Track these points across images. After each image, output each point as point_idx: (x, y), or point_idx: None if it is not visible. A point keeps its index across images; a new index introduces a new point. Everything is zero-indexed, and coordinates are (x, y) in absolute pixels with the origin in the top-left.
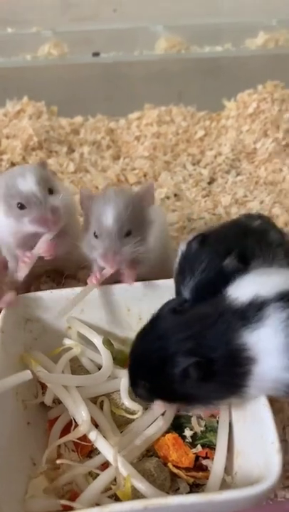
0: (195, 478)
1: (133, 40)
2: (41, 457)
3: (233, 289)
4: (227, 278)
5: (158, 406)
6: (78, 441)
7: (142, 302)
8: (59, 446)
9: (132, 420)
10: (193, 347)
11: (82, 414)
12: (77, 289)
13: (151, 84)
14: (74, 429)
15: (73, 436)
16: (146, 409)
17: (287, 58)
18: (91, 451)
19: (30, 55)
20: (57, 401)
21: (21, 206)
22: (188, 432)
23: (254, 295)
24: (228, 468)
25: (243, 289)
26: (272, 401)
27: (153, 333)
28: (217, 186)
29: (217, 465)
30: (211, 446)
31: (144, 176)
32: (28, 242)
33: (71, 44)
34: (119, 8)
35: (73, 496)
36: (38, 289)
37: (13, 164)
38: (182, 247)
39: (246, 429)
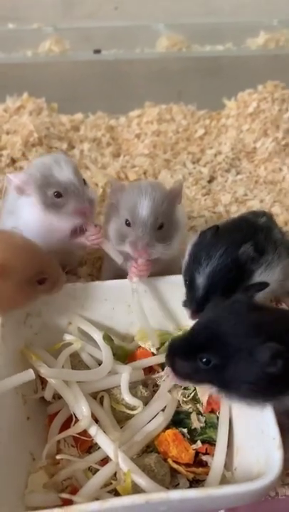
0: (195, 474)
1: (134, 38)
2: (41, 452)
3: None
4: (241, 266)
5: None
6: (78, 435)
7: (143, 298)
8: (58, 441)
9: (132, 416)
10: (284, 339)
11: (82, 409)
12: (78, 285)
13: (151, 82)
14: (74, 424)
15: (73, 431)
16: (145, 404)
17: (288, 58)
18: (90, 447)
19: (31, 51)
20: (56, 396)
21: (58, 195)
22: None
23: None
24: (228, 464)
25: None
26: None
27: (240, 312)
28: (217, 185)
29: (217, 461)
30: (210, 442)
31: (144, 173)
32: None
33: (72, 41)
34: (120, 6)
35: (73, 491)
36: None
37: (13, 160)
38: (192, 239)
39: (246, 425)
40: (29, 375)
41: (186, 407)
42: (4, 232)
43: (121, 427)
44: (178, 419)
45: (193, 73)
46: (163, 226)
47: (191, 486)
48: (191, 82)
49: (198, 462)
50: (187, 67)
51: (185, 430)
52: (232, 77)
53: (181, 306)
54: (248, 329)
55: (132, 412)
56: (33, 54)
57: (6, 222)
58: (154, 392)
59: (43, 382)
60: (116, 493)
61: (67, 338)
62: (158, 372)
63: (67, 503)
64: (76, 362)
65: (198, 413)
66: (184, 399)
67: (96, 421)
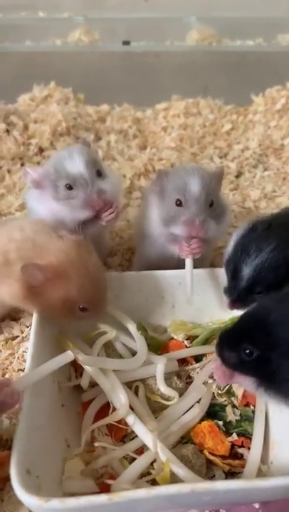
0: (231, 467)
1: (164, 30)
2: (75, 439)
3: None
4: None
5: (224, 376)
6: (116, 423)
7: (177, 290)
8: (93, 429)
9: (167, 406)
10: None
11: (120, 397)
12: (113, 274)
13: (179, 75)
14: (111, 413)
15: (111, 419)
16: (180, 396)
17: None
18: (124, 436)
19: (60, 40)
20: (90, 384)
21: (69, 187)
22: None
23: None
24: (264, 458)
25: None
26: None
27: None
28: (245, 180)
29: (253, 454)
30: (246, 436)
31: (171, 166)
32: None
33: (102, 31)
34: None
35: (109, 479)
36: None
37: (41, 149)
38: (240, 231)
39: (284, 420)
40: (69, 356)
41: (221, 400)
42: (85, 246)
43: (155, 418)
44: (213, 412)
45: (221, 68)
46: (213, 204)
47: (226, 478)
48: (219, 77)
49: (234, 455)
50: (216, 62)
51: (220, 422)
52: (260, 72)
53: (215, 299)
54: None
55: (167, 403)
56: (62, 43)
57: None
58: (188, 383)
59: (76, 370)
60: (152, 483)
61: (102, 327)
62: (191, 364)
63: (104, 490)
64: (110, 351)
65: (233, 406)
66: (219, 391)
67: (131, 411)
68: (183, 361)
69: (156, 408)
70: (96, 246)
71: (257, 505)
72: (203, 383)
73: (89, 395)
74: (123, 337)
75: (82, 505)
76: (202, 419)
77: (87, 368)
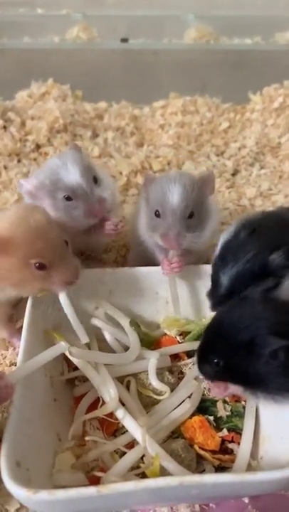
0: (221, 461)
1: (162, 28)
2: (67, 433)
3: None
4: (269, 273)
5: (221, 391)
6: (106, 417)
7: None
8: (84, 423)
9: (159, 401)
10: (284, 331)
11: (110, 391)
12: (107, 270)
13: (176, 73)
14: (101, 407)
15: (100, 412)
16: (172, 391)
17: None
18: (116, 430)
19: (59, 37)
20: (82, 379)
21: (68, 198)
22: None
23: None
24: (254, 453)
25: None
26: None
27: (243, 311)
28: (241, 178)
29: (243, 449)
30: (236, 431)
31: (168, 164)
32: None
33: (100, 29)
34: None
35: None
36: None
37: (38, 146)
38: (226, 235)
39: (275, 415)
40: (62, 347)
41: (212, 395)
42: (29, 207)
43: (147, 412)
44: (204, 407)
45: (219, 66)
46: (193, 215)
47: (216, 473)
48: (217, 75)
49: (224, 450)
50: (213, 60)
51: (211, 418)
52: (258, 71)
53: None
54: (248, 323)
55: (158, 398)
56: (61, 40)
57: None
58: (180, 379)
59: (69, 364)
60: (142, 477)
61: (96, 322)
62: (183, 359)
63: (94, 483)
64: (102, 346)
65: (224, 401)
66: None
67: (122, 405)
68: (175, 357)
69: (148, 403)
70: (91, 242)
71: (246, 500)
72: (195, 379)
73: (81, 390)
74: (116, 332)
75: (71, 497)
76: (193, 414)
77: (77, 361)
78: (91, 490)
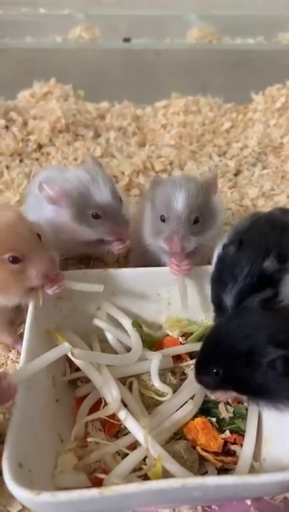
0: (223, 463)
1: (165, 28)
2: (69, 435)
3: None
4: (268, 278)
5: (224, 395)
6: (108, 418)
7: (172, 287)
8: (86, 424)
9: (161, 402)
10: (283, 341)
11: (112, 392)
12: (109, 271)
13: (179, 73)
14: (103, 408)
15: (103, 413)
16: (174, 392)
17: None
18: (118, 432)
19: (61, 37)
20: (84, 380)
21: (97, 216)
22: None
23: None
24: (256, 455)
25: None
26: None
27: (241, 322)
28: (243, 178)
29: (246, 451)
30: (239, 433)
31: (170, 164)
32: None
33: (102, 28)
34: None
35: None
36: (66, 269)
37: (40, 145)
38: (219, 250)
39: (277, 417)
40: (65, 348)
41: (214, 397)
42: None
43: (149, 413)
44: (206, 408)
45: (221, 66)
46: (198, 220)
47: (218, 475)
48: (219, 75)
49: (226, 451)
50: (216, 60)
51: (213, 419)
52: (260, 71)
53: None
54: (247, 333)
55: (161, 399)
56: (63, 40)
57: (30, 208)
58: (182, 380)
59: (71, 365)
60: (144, 478)
61: (98, 323)
62: (186, 361)
63: (96, 484)
64: (105, 347)
65: (227, 403)
66: None
67: (125, 406)
68: (177, 358)
69: (150, 404)
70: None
71: (249, 502)
72: None
73: (83, 391)
74: (118, 333)
75: (74, 499)
76: (195, 416)
77: (79, 362)
78: (93, 492)
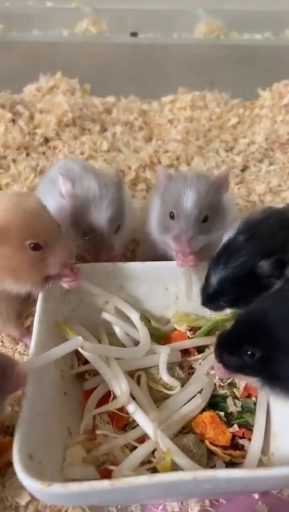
0: (231, 457)
1: (173, 22)
2: (76, 427)
3: None
4: (259, 280)
5: (225, 373)
6: (116, 411)
7: (181, 281)
8: (94, 417)
9: (169, 396)
10: None
11: (121, 385)
12: (118, 264)
13: (186, 68)
14: (112, 400)
15: (112, 406)
16: (182, 386)
17: None
18: (126, 425)
19: (68, 30)
20: (92, 373)
21: (85, 234)
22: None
23: None
24: (265, 449)
25: None
26: None
27: (282, 300)
28: (250, 174)
29: (254, 445)
30: (247, 427)
31: (177, 159)
32: None
33: (109, 22)
34: None
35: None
36: None
37: (46, 139)
38: (230, 232)
39: (285, 412)
40: (78, 342)
41: (223, 392)
42: (23, 194)
43: (157, 407)
44: (214, 402)
45: (228, 61)
46: (207, 219)
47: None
48: (226, 70)
49: (234, 445)
50: (223, 55)
51: (222, 413)
52: (268, 67)
53: None
54: None
55: (169, 392)
56: (70, 34)
57: (43, 191)
58: (190, 374)
59: (79, 358)
60: (153, 472)
61: (106, 317)
62: (194, 355)
63: (105, 477)
64: (113, 340)
65: (235, 397)
66: (221, 383)
67: (133, 399)
68: (185, 352)
69: (158, 397)
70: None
71: (256, 496)
72: (206, 374)
73: (91, 384)
74: (126, 327)
75: (85, 490)
76: (203, 410)
77: (88, 355)
78: (104, 483)
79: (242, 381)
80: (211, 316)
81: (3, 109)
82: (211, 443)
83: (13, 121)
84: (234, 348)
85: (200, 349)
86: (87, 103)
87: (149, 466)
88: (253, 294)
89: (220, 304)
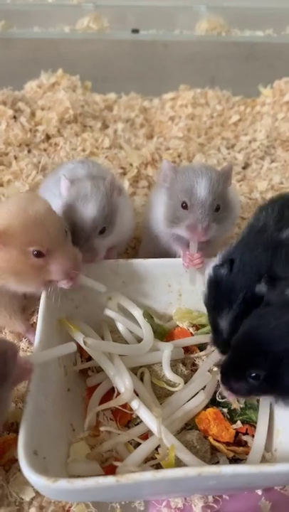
0: (235, 453)
1: (174, 19)
2: (80, 424)
3: None
4: (260, 300)
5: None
6: (120, 408)
7: (183, 278)
8: (98, 414)
9: (172, 393)
10: None
11: (125, 382)
12: (120, 261)
13: (187, 65)
14: (116, 397)
15: (115, 403)
16: (186, 382)
17: None
18: (129, 421)
19: (69, 27)
20: (95, 369)
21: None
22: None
23: None
24: (268, 446)
25: None
26: None
27: (277, 319)
28: (252, 171)
29: (258, 441)
30: (250, 423)
31: (179, 156)
32: None
33: (111, 19)
34: None
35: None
36: None
37: (48, 136)
38: (209, 271)
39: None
40: (71, 347)
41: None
42: (29, 197)
43: (160, 404)
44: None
45: (229, 58)
46: (219, 208)
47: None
48: (228, 68)
49: (238, 442)
50: (224, 52)
51: (225, 410)
52: (269, 64)
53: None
54: (287, 330)
55: (172, 389)
56: (71, 30)
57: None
58: (192, 371)
59: (82, 355)
60: (157, 468)
61: (109, 313)
62: (196, 352)
63: (109, 473)
64: (116, 337)
65: None
66: None
67: (136, 396)
68: (187, 349)
69: (162, 394)
70: None
71: (260, 492)
72: (209, 371)
73: (94, 380)
74: (129, 323)
75: (90, 486)
76: (207, 406)
77: (91, 352)
78: (110, 479)
79: None
80: None
81: (4, 106)
82: (214, 439)
83: (15, 118)
84: (239, 374)
85: (202, 346)
86: (89, 100)
87: (153, 462)
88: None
89: None
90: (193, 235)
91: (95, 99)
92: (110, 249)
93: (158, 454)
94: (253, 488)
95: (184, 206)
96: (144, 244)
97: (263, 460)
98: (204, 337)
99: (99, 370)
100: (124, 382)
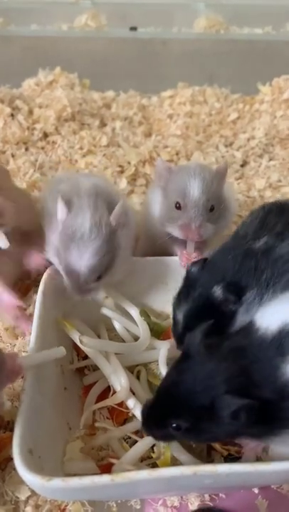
0: (230, 452)
1: (172, 16)
2: (76, 422)
3: (259, 318)
4: (218, 308)
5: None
6: (116, 406)
7: (180, 277)
8: (94, 413)
9: None
10: (242, 386)
11: (121, 380)
12: None
13: (185, 63)
14: (112, 396)
15: (112, 401)
16: None
17: None
18: (126, 420)
19: (67, 25)
20: (92, 368)
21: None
22: None
23: (283, 324)
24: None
25: (270, 318)
26: None
27: (192, 371)
28: (250, 169)
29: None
30: None
31: (177, 154)
32: None
33: (109, 17)
34: None
35: (110, 463)
36: None
37: (45, 134)
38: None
39: None
40: (60, 352)
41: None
42: None
43: None
44: None
45: (228, 56)
46: (214, 208)
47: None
48: (226, 65)
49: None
50: (223, 50)
51: None
52: (268, 61)
53: None
54: (205, 383)
55: None
56: (69, 28)
57: None
58: None
59: (78, 353)
60: (152, 467)
61: (106, 312)
62: None
63: (105, 472)
64: (112, 336)
65: None
66: None
67: (132, 394)
68: None
69: None
70: None
71: (256, 491)
72: None
73: (91, 379)
74: (126, 322)
75: (85, 485)
76: None
77: (88, 350)
78: (105, 478)
79: None
80: None
81: (2, 104)
82: None
83: (12, 115)
84: (160, 423)
85: None
86: (87, 98)
87: (149, 461)
88: (221, 325)
89: None
90: (186, 234)
91: (93, 97)
92: None
93: (154, 452)
94: (250, 486)
95: (178, 206)
96: (141, 242)
97: (258, 459)
98: None
99: (95, 368)
100: (120, 381)
